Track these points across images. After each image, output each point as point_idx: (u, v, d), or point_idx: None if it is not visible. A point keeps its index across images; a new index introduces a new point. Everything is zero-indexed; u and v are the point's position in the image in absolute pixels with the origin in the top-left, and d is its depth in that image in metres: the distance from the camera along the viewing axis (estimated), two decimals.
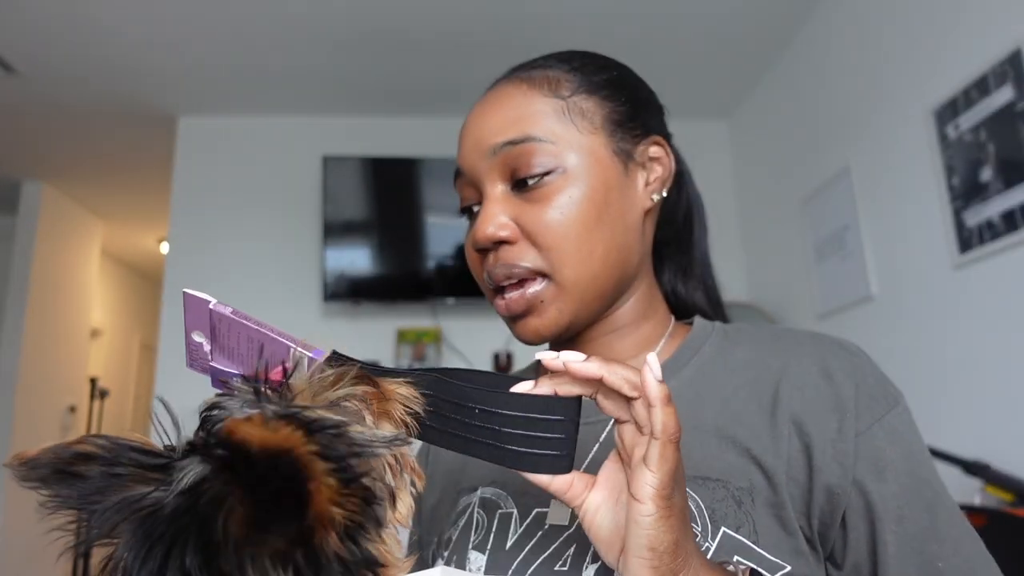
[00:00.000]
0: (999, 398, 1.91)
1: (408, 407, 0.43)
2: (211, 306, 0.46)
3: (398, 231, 3.42)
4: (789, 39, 3.00)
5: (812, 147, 2.89)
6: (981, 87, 1.95)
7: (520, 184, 0.59)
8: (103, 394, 5.09)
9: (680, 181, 0.70)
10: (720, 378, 0.61)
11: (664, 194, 0.65)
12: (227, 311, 0.46)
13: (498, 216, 0.59)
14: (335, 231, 3.35)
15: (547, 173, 0.58)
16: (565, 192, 0.58)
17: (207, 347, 0.48)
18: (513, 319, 0.61)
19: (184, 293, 0.47)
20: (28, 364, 4.12)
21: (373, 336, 3.34)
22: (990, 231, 1.92)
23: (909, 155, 2.27)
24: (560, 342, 0.64)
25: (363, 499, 0.35)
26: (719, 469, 0.55)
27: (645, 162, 0.64)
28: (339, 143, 3.49)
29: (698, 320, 0.67)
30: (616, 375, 0.43)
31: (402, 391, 0.43)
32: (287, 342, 0.45)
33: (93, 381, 5.04)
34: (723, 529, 0.52)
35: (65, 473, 0.36)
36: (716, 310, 0.73)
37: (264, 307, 3.32)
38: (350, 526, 0.35)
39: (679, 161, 0.69)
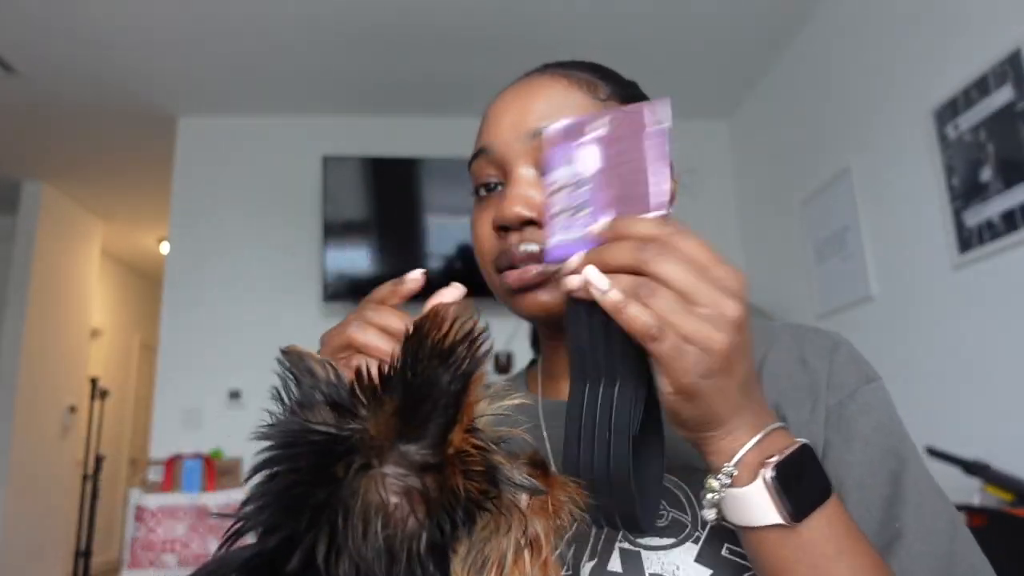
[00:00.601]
0: (999, 398, 1.91)
1: (570, 507, 0.41)
2: (650, 129, 0.47)
3: (398, 231, 3.42)
4: (789, 39, 3.00)
5: (812, 147, 2.89)
6: (981, 87, 1.95)
7: None
8: (103, 394, 5.08)
9: None
10: None
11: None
12: (662, 146, 0.47)
13: (532, 197, 0.60)
14: (335, 231, 3.35)
15: None
16: None
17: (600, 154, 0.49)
18: (520, 291, 0.61)
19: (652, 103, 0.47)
20: (28, 364, 4.11)
21: None
22: (990, 231, 1.92)
23: (909, 155, 2.27)
24: (558, 327, 0.64)
25: (481, 488, 0.34)
26: None
27: None
28: (339, 143, 3.49)
29: None
30: (630, 313, 0.43)
31: (570, 490, 0.41)
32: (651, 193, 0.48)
33: (93, 381, 5.03)
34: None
35: (298, 375, 0.38)
36: None
37: (264, 307, 3.32)
38: (467, 487, 0.33)
39: None
